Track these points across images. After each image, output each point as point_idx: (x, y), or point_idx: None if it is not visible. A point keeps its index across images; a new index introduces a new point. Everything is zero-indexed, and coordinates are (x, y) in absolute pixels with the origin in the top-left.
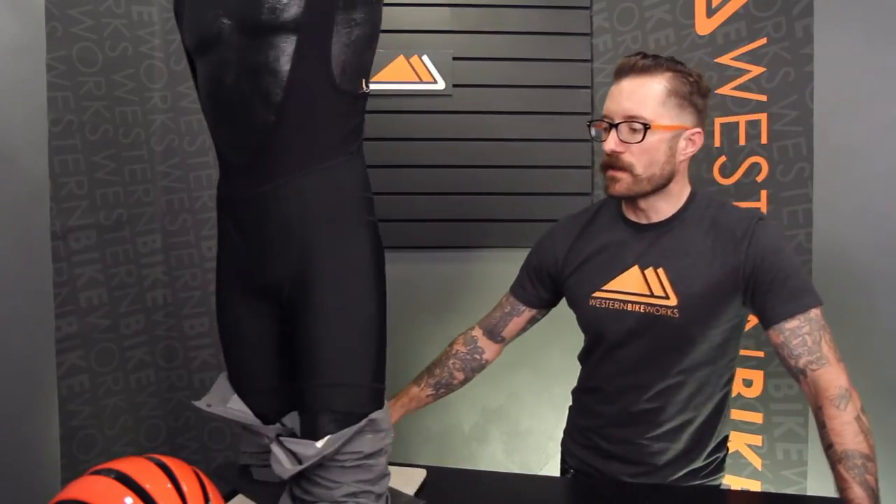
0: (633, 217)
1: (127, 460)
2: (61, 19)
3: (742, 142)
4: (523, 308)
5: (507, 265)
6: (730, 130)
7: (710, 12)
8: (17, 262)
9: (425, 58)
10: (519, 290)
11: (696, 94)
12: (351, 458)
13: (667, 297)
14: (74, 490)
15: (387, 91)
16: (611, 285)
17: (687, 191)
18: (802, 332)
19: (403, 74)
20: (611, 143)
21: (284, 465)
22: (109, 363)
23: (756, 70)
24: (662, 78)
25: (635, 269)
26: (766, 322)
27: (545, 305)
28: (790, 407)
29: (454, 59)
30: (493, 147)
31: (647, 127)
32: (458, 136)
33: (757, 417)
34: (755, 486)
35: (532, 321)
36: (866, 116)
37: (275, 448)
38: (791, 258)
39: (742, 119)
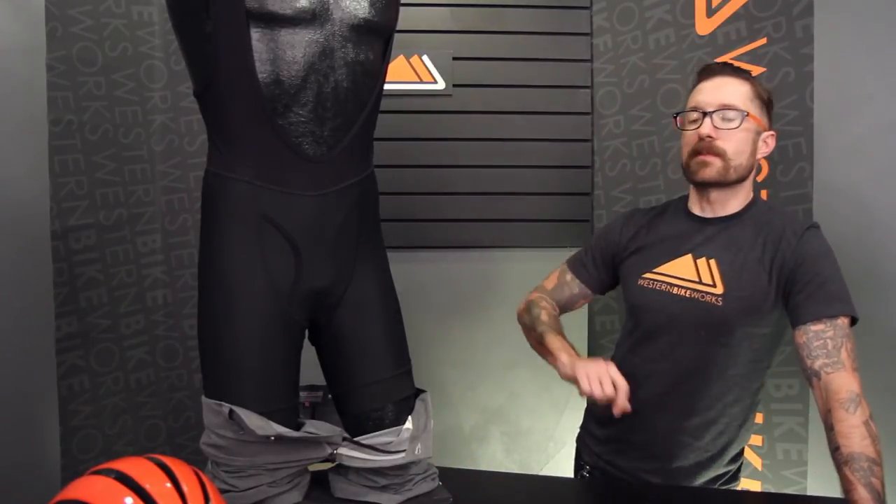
0: (698, 211)
1: (127, 460)
2: (61, 19)
3: None
4: (587, 290)
5: (507, 265)
6: None
7: (710, 12)
8: (17, 262)
9: (425, 58)
10: (582, 271)
11: (770, 103)
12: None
13: (714, 286)
14: (74, 490)
15: (387, 91)
16: (662, 269)
17: (751, 194)
18: (825, 336)
19: (403, 74)
20: (706, 127)
21: (372, 458)
22: (109, 363)
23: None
24: (747, 82)
25: (688, 258)
26: (794, 321)
27: (603, 289)
28: (790, 407)
29: (454, 59)
30: (493, 147)
31: (744, 115)
32: (458, 136)
33: (757, 417)
34: (755, 486)
35: (585, 302)
36: (866, 116)
37: (348, 451)
38: (833, 267)
39: None
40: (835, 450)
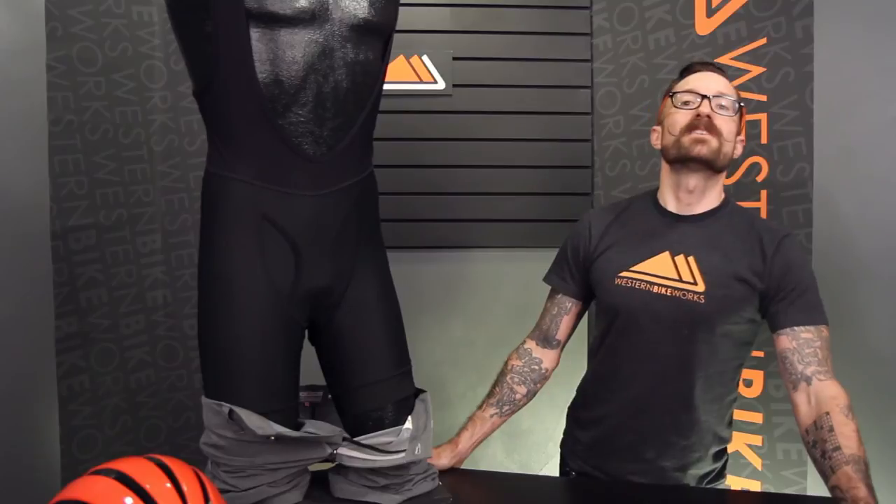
0: (672, 206)
1: (127, 460)
2: (61, 19)
3: None
4: (570, 303)
5: (507, 265)
6: None
7: (710, 12)
8: (17, 262)
9: (425, 58)
10: (561, 284)
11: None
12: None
13: (695, 283)
14: (74, 490)
15: (387, 91)
16: (639, 267)
17: (723, 193)
18: (815, 345)
19: (403, 74)
20: (706, 107)
21: (372, 458)
22: (109, 363)
23: (756, 70)
24: (732, 86)
25: (666, 255)
26: (781, 324)
27: (589, 297)
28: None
29: (454, 59)
30: (493, 147)
31: (738, 105)
32: (458, 136)
33: (757, 417)
34: (755, 486)
35: (579, 316)
36: (866, 116)
37: (348, 451)
38: (812, 276)
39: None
40: (834, 449)
